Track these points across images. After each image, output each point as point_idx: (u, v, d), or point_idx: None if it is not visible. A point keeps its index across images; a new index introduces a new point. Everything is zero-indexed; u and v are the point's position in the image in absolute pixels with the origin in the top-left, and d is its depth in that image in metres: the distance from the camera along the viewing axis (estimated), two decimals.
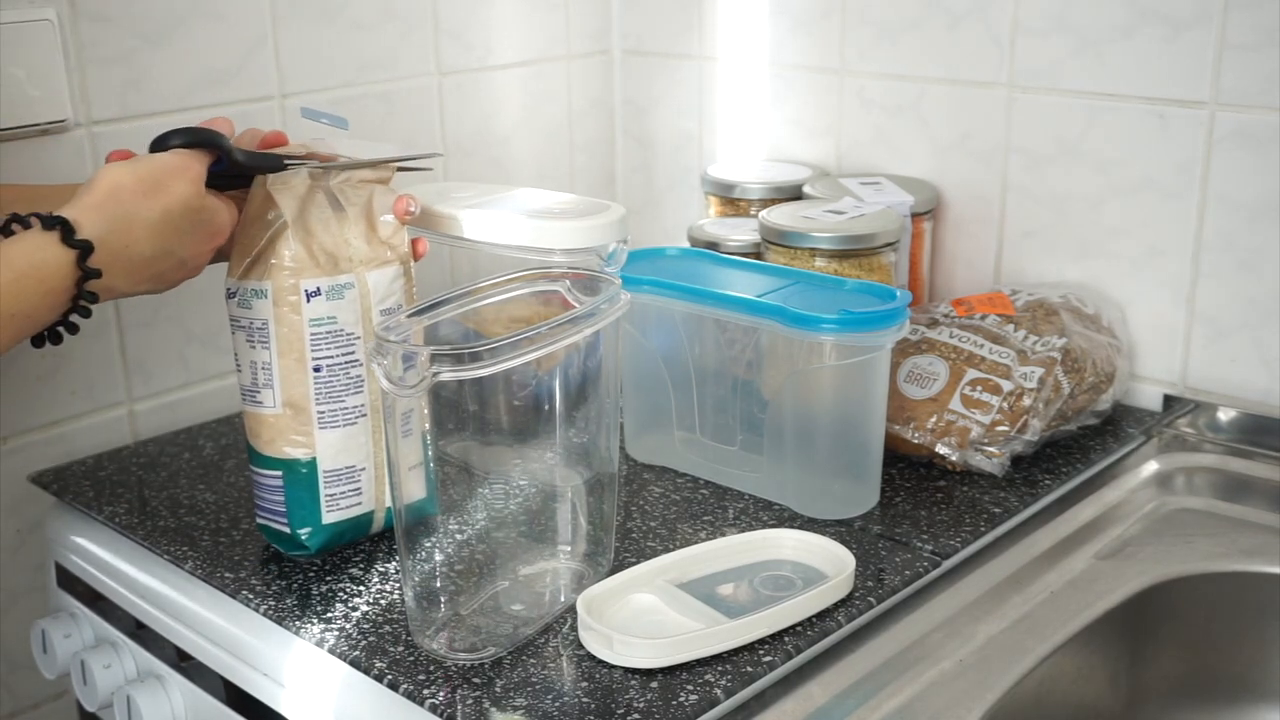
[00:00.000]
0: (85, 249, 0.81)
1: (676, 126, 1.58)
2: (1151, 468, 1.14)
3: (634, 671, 0.83)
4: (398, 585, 0.94)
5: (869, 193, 1.28)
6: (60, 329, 0.84)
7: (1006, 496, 1.06)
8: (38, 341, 0.83)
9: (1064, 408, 1.12)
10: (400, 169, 1.00)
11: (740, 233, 1.26)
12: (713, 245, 1.25)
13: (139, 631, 1.04)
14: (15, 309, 0.79)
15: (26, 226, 0.81)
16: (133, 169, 0.86)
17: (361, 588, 0.95)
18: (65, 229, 0.81)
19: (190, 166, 0.88)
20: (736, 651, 0.85)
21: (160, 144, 0.90)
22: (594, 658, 0.85)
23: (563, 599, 0.92)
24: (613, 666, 0.84)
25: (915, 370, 1.12)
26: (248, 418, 0.96)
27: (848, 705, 0.83)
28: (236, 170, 0.92)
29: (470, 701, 0.81)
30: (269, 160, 0.93)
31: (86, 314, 0.83)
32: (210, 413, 1.29)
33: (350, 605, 0.92)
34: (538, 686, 0.82)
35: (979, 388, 1.09)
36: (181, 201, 0.86)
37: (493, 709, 0.80)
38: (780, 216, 1.19)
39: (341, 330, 0.94)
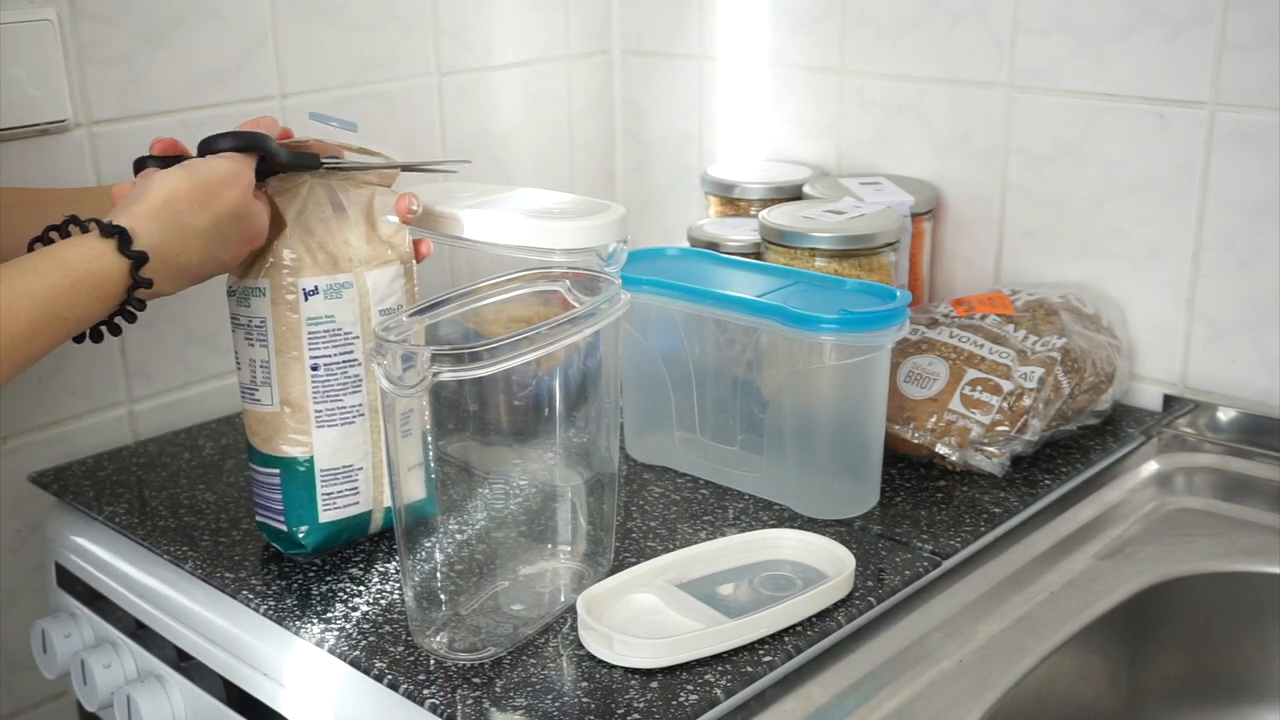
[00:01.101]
0: (140, 259, 0.82)
1: (676, 126, 1.58)
2: (1151, 468, 1.13)
3: (634, 671, 0.83)
4: (398, 585, 0.94)
5: (869, 193, 1.28)
6: (103, 328, 0.85)
7: (1006, 496, 1.06)
8: (78, 339, 0.84)
9: (1064, 408, 1.12)
10: (428, 170, 1.01)
11: (740, 233, 1.26)
12: (713, 245, 1.25)
13: (139, 631, 1.04)
14: (69, 313, 0.80)
15: (84, 230, 0.83)
16: (188, 177, 0.86)
17: (361, 588, 0.95)
18: (123, 238, 0.82)
19: (243, 173, 0.88)
20: (736, 651, 0.85)
21: (208, 147, 0.90)
22: (594, 658, 0.85)
23: (563, 599, 0.92)
24: (613, 666, 0.84)
25: (915, 370, 1.12)
26: (247, 416, 0.97)
27: (848, 705, 0.83)
28: (279, 170, 0.92)
29: (470, 701, 0.81)
30: (308, 159, 0.93)
31: (132, 319, 0.84)
32: (210, 413, 1.29)
33: (350, 605, 0.92)
34: (538, 686, 0.82)
35: (979, 388, 1.09)
36: (230, 209, 0.87)
37: (493, 709, 0.80)
38: (780, 216, 1.19)
39: (339, 329, 0.94)
